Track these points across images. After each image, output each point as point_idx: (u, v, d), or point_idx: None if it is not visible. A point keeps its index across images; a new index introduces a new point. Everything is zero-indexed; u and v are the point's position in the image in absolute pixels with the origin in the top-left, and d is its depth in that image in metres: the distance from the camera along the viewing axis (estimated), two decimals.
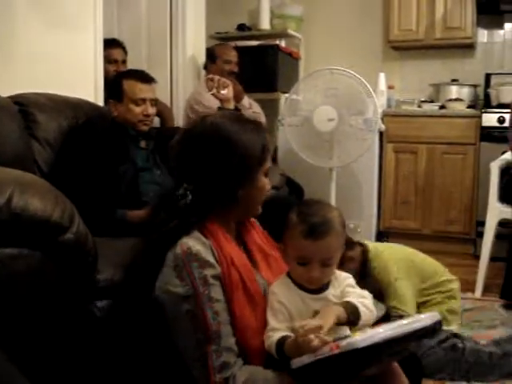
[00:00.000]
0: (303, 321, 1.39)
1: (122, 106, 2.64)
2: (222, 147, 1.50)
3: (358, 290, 1.54)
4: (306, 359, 1.34)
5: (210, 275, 1.42)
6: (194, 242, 1.44)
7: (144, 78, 2.71)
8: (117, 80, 2.72)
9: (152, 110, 2.68)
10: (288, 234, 1.52)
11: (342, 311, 1.42)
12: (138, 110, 2.63)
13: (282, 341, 1.40)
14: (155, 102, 2.74)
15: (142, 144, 2.69)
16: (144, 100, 2.65)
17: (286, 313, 1.47)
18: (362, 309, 1.46)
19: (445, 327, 2.27)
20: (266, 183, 1.59)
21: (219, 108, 3.09)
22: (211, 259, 1.44)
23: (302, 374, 1.36)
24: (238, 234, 1.63)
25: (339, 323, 1.42)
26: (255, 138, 1.53)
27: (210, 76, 3.40)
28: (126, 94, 2.64)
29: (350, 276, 1.58)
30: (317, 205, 1.55)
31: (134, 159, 2.58)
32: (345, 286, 1.54)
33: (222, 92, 3.11)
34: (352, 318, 1.43)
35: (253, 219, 1.69)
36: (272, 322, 1.46)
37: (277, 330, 1.44)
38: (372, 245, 2.52)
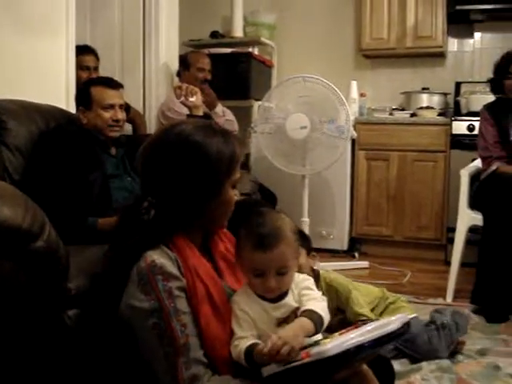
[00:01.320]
0: (275, 335, 1.36)
1: (91, 113, 2.63)
2: (188, 159, 1.46)
3: (315, 292, 1.52)
4: (276, 367, 1.34)
5: (174, 287, 1.40)
6: (158, 255, 1.42)
7: (111, 83, 2.71)
8: (85, 88, 2.71)
9: (121, 115, 2.67)
10: (240, 247, 1.50)
11: (311, 326, 1.40)
12: (107, 115, 2.62)
13: (250, 349, 1.39)
14: (124, 107, 2.74)
15: (112, 151, 2.67)
16: (113, 106, 2.64)
17: (249, 320, 1.46)
18: (325, 316, 1.45)
19: None
20: (234, 195, 1.55)
21: (188, 115, 3.08)
22: (176, 272, 1.42)
23: (273, 381, 1.36)
24: (203, 242, 1.59)
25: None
26: (223, 148, 1.48)
27: (178, 84, 3.40)
28: (95, 101, 2.63)
29: (310, 278, 1.57)
30: (264, 215, 1.52)
31: (104, 166, 2.56)
32: (302, 287, 1.52)
33: (191, 99, 3.10)
34: (318, 328, 1.43)
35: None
36: (237, 330, 1.45)
37: (243, 338, 1.43)
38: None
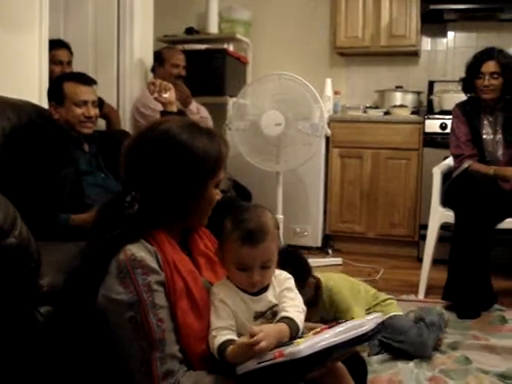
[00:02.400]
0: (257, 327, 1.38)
1: (63, 109, 2.61)
2: (175, 156, 1.46)
3: (294, 295, 1.54)
4: (250, 365, 1.35)
5: (153, 281, 1.40)
6: (138, 249, 1.42)
7: (84, 79, 2.68)
8: (57, 83, 2.68)
9: (94, 112, 2.65)
10: (225, 241, 1.51)
11: (288, 334, 1.42)
12: (79, 111, 2.60)
13: (223, 347, 1.40)
14: (97, 103, 2.72)
15: (85, 147, 2.65)
16: (85, 102, 2.62)
17: (229, 310, 1.47)
18: (301, 329, 1.46)
19: None
20: (216, 195, 1.56)
21: (162, 112, 3.07)
22: (155, 265, 1.42)
23: (247, 379, 1.37)
24: (183, 238, 1.60)
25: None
26: (209, 147, 1.49)
27: (152, 80, 3.39)
28: (67, 97, 2.60)
29: (291, 277, 1.58)
30: (250, 210, 1.54)
31: (77, 162, 2.54)
32: (284, 288, 1.54)
33: (164, 95, 3.08)
34: (294, 335, 1.43)
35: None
36: (214, 320, 1.46)
37: (219, 328, 1.44)
38: (323, 278, 2.62)
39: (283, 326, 1.42)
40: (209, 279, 1.57)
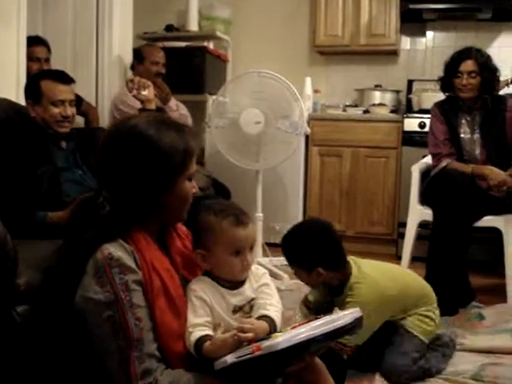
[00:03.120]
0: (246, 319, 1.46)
1: (40, 108, 2.58)
2: (142, 153, 1.46)
3: (272, 291, 1.58)
4: (228, 360, 1.36)
5: (131, 280, 1.40)
6: (115, 248, 1.42)
7: (63, 78, 2.65)
8: (34, 81, 2.65)
9: (71, 111, 2.63)
10: (215, 234, 1.54)
11: (267, 329, 1.45)
12: (56, 111, 2.57)
13: (200, 342, 1.41)
14: (74, 102, 2.69)
15: (62, 144, 2.63)
16: (63, 101, 2.59)
17: (206, 307, 1.49)
18: (278, 327, 1.49)
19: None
20: (191, 188, 1.55)
21: (141, 109, 3.06)
22: (132, 265, 1.42)
23: (225, 374, 1.38)
24: (161, 238, 1.60)
25: None
26: (177, 142, 1.49)
27: (130, 77, 3.37)
28: (44, 96, 2.58)
29: (266, 272, 1.63)
30: (220, 202, 1.68)
31: (54, 160, 2.52)
32: (262, 283, 1.58)
33: (143, 93, 3.08)
34: (272, 331, 1.46)
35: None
36: (191, 317, 1.47)
37: (196, 325, 1.45)
38: (355, 267, 2.30)
39: (264, 324, 1.45)
40: (186, 277, 1.57)
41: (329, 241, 2.25)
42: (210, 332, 1.44)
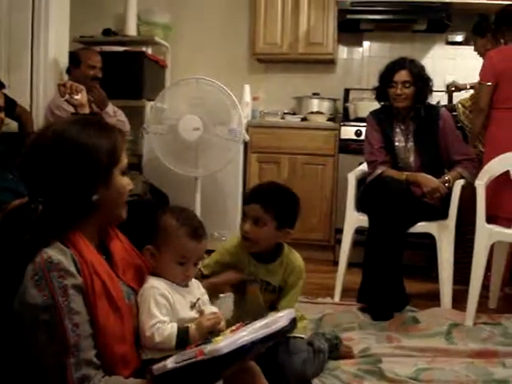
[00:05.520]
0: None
1: None
2: (67, 154, 1.46)
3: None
4: (168, 365, 1.35)
5: (70, 285, 1.39)
6: (54, 252, 1.41)
7: None
8: None
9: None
10: (169, 237, 1.61)
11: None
12: None
13: (184, 330, 1.52)
14: (3, 108, 2.62)
15: None
16: None
17: (168, 306, 1.55)
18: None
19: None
20: (125, 183, 1.56)
21: (73, 114, 3.01)
22: (72, 269, 1.41)
23: (165, 379, 1.37)
24: (101, 242, 1.60)
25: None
26: (102, 138, 1.50)
27: (62, 82, 3.31)
28: None
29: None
30: (186, 210, 1.70)
31: None
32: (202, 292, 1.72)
33: (76, 97, 3.03)
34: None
35: (116, 228, 1.67)
36: (157, 314, 1.52)
37: (163, 322, 1.52)
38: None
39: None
40: (127, 282, 1.57)
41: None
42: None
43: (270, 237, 2.24)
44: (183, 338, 1.50)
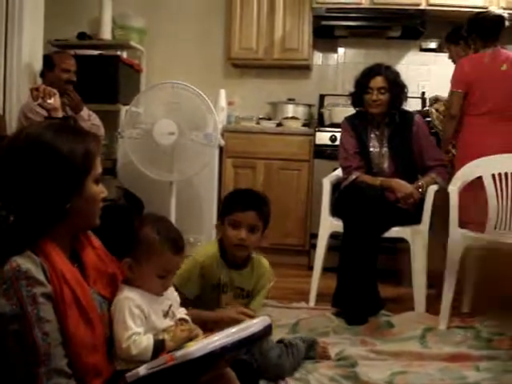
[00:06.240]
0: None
1: None
2: (40, 160, 1.43)
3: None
4: (140, 372, 1.35)
5: (39, 294, 1.37)
6: (23, 260, 1.38)
7: None
8: None
9: None
10: (152, 252, 1.60)
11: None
12: None
13: (160, 341, 1.51)
14: None
15: None
16: None
17: (142, 317, 1.54)
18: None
19: None
20: (99, 191, 1.53)
21: (46, 118, 2.98)
22: (41, 277, 1.39)
23: None
24: (73, 250, 1.57)
25: None
26: (76, 145, 1.47)
27: (34, 85, 3.28)
28: None
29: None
30: (164, 220, 1.72)
31: None
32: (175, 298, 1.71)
33: (49, 101, 3.00)
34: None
35: (90, 234, 1.64)
36: (133, 325, 1.51)
37: (138, 333, 1.51)
38: None
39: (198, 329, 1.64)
40: (98, 291, 1.55)
41: None
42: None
43: (258, 242, 2.28)
44: (159, 350, 1.49)
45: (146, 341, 1.50)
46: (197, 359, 1.32)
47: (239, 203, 2.26)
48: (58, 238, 1.48)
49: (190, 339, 1.54)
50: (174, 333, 1.55)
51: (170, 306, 1.65)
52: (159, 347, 1.50)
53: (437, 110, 4.14)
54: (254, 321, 1.54)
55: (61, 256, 1.46)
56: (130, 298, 1.55)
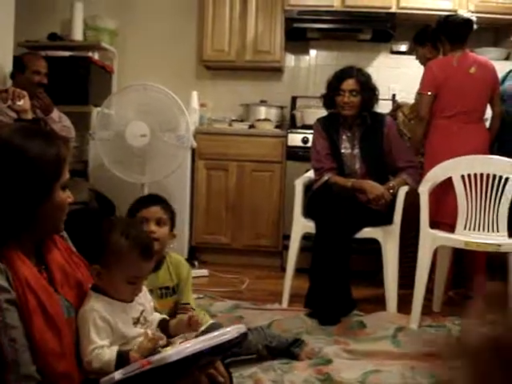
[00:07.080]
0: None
1: None
2: (9, 165, 1.40)
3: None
4: (116, 376, 1.35)
5: (3, 300, 1.35)
6: None
7: None
8: None
9: None
10: (121, 258, 1.56)
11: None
12: None
13: (123, 352, 1.47)
14: None
15: None
16: None
17: (108, 329, 1.50)
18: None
19: None
20: (65, 198, 1.51)
21: (16, 120, 2.96)
22: (5, 284, 1.36)
23: None
24: (39, 254, 1.54)
25: None
26: (46, 149, 1.44)
27: (4, 87, 3.25)
28: None
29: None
30: (134, 224, 1.70)
31: None
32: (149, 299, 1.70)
33: (18, 103, 2.98)
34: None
35: (57, 236, 1.62)
36: (96, 339, 1.48)
37: (102, 347, 1.47)
38: None
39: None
40: (65, 295, 1.53)
41: None
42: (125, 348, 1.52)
43: (167, 238, 2.31)
44: (123, 362, 1.45)
45: (109, 354, 1.47)
46: (173, 363, 1.32)
47: (143, 202, 2.35)
48: (22, 243, 1.46)
49: (155, 350, 1.51)
50: (140, 343, 1.50)
51: (142, 312, 1.62)
52: (123, 359, 1.46)
53: (403, 114, 4.17)
54: (229, 328, 1.55)
55: (26, 262, 1.43)
56: (95, 310, 1.51)
